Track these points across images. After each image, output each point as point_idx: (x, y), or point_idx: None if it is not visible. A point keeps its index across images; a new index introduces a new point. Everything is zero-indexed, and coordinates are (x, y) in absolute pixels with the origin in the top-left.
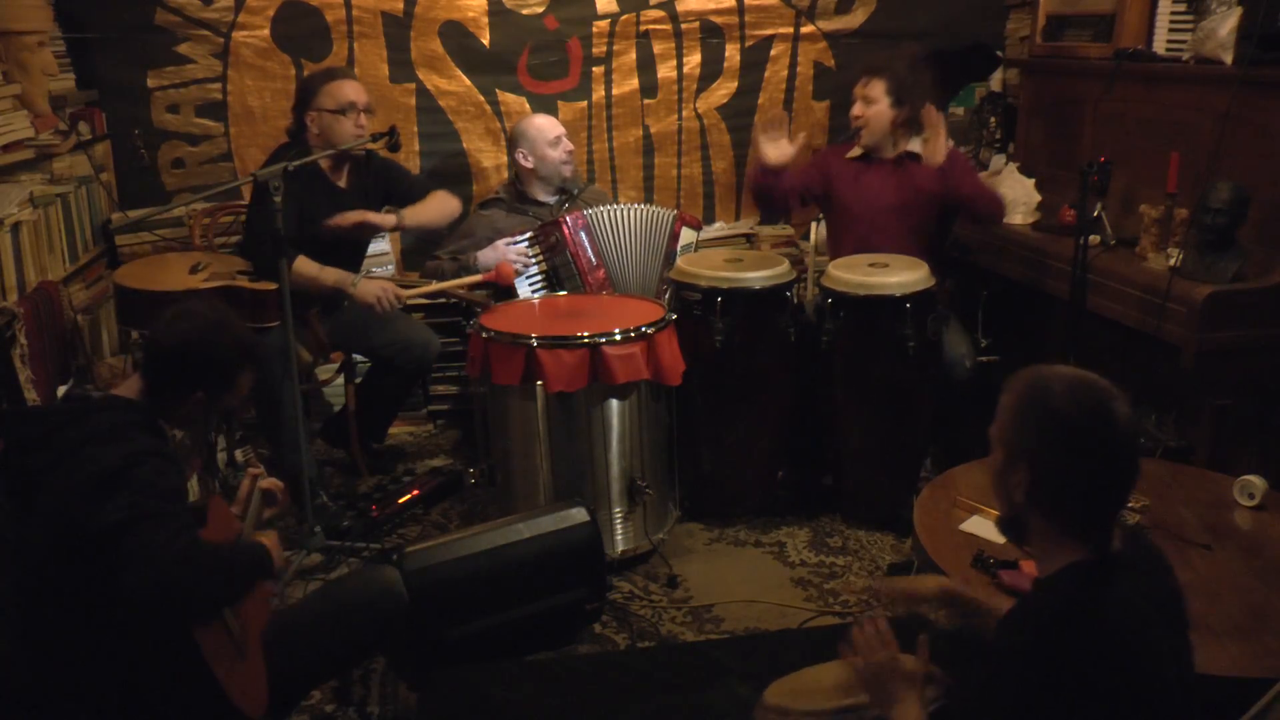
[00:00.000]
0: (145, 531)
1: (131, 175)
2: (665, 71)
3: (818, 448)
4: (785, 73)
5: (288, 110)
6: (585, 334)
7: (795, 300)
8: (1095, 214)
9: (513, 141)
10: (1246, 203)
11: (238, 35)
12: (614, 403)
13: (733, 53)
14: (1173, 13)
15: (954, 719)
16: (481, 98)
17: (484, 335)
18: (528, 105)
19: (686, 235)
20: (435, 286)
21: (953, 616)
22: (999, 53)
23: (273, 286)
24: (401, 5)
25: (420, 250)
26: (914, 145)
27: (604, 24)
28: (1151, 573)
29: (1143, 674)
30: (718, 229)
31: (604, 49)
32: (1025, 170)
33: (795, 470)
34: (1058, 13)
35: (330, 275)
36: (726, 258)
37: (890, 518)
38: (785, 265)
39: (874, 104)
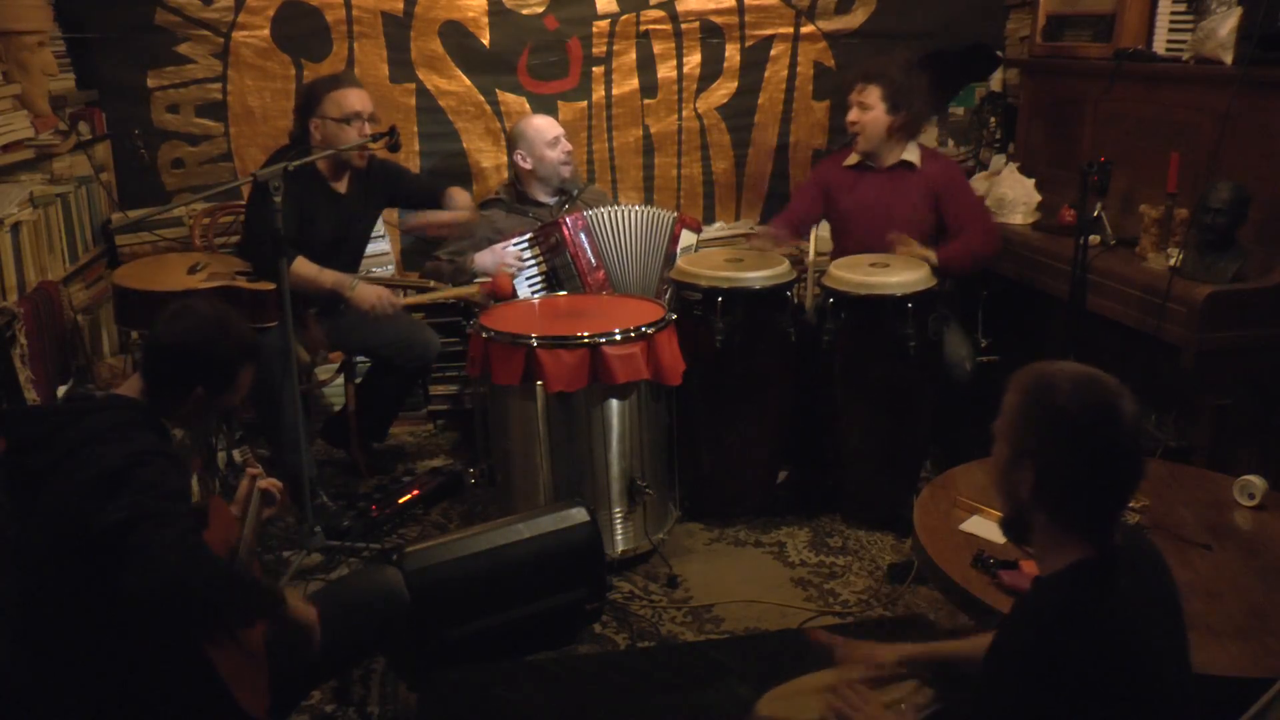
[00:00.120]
0: (147, 531)
1: (131, 175)
2: (665, 71)
3: (818, 448)
4: (785, 73)
5: (288, 110)
6: (585, 334)
7: (795, 300)
8: (1095, 214)
9: (511, 142)
10: (1246, 203)
11: (238, 35)
12: (614, 403)
13: (733, 53)
14: (1173, 13)
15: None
16: (481, 98)
17: (484, 335)
18: (528, 105)
19: (686, 238)
20: (430, 297)
21: (921, 690)
22: (999, 53)
23: (271, 287)
24: (401, 5)
25: (420, 250)
26: (909, 154)
27: (604, 24)
28: (1151, 572)
29: (1143, 674)
30: (718, 229)
31: (604, 49)
32: (1025, 170)
33: (795, 470)
34: (1058, 13)
35: (329, 277)
36: (727, 257)
37: (890, 518)
38: (785, 265)
39: (870, 110)
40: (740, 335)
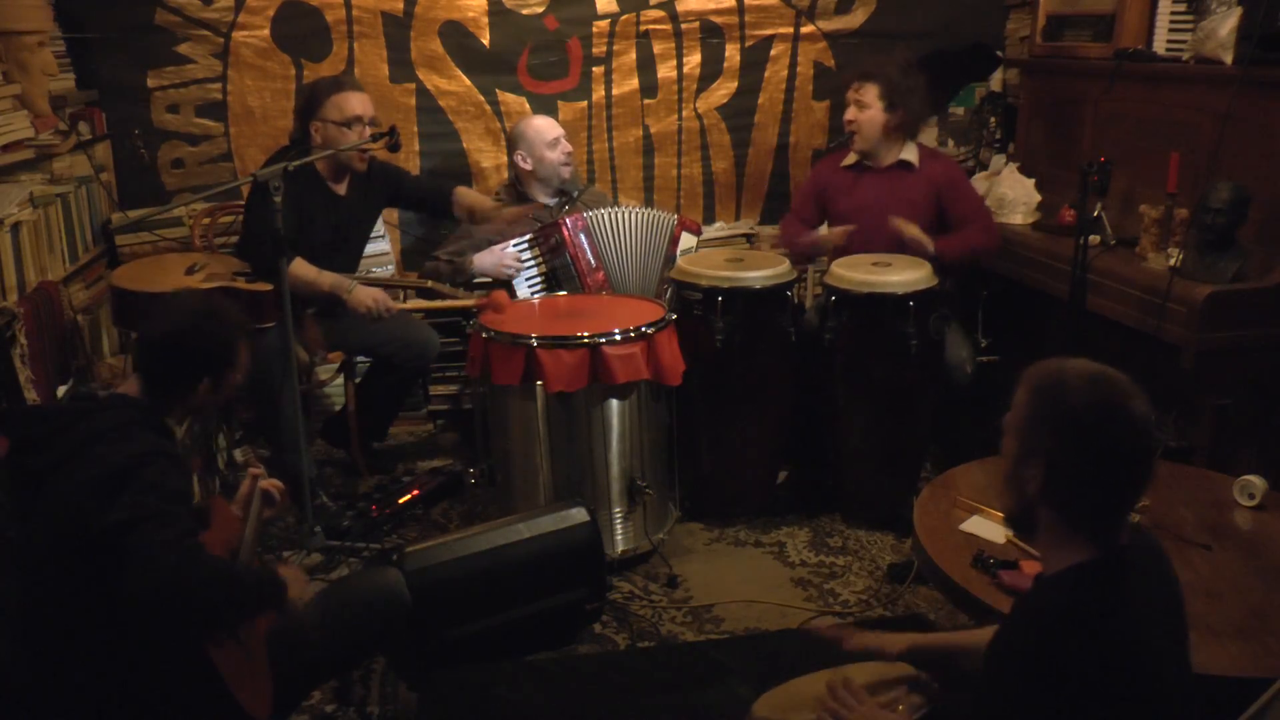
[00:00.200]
0: (146, 532)
1: (131, 175)
2: (665, 71)
3: (818, 448)
4: (785, 73)
5: (288, 110)
6: (585, 334)
7: (795, 300)
8: (1095, 214)
9: (511, 143)
10: (1246, 203)
11: (238, 35)
12: (614, 403)
13: (733, 53)
14: (1173, 13)
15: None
16: (481, 98)
17: (484, 335)
18: (528, 105)
19: (686, 240)
20: (427, 305)
21: (915, 694)
22: (999, 53)
23: (269, 287)
24: (401, 5)
25: (420, 250)
26: (908, 153)
27: (604, 24)
28: (1155, 573)
29: (1144, 676)
30: (718, 229)
31: (604, 49)
32: (1025, 170)
33: (795, 470)
34: (1058, 13)
35: (327, 279)
36: (727, 257)
37: (890, 518)
38: (785, 265)
39: (867, 109)
40: (740, 335)
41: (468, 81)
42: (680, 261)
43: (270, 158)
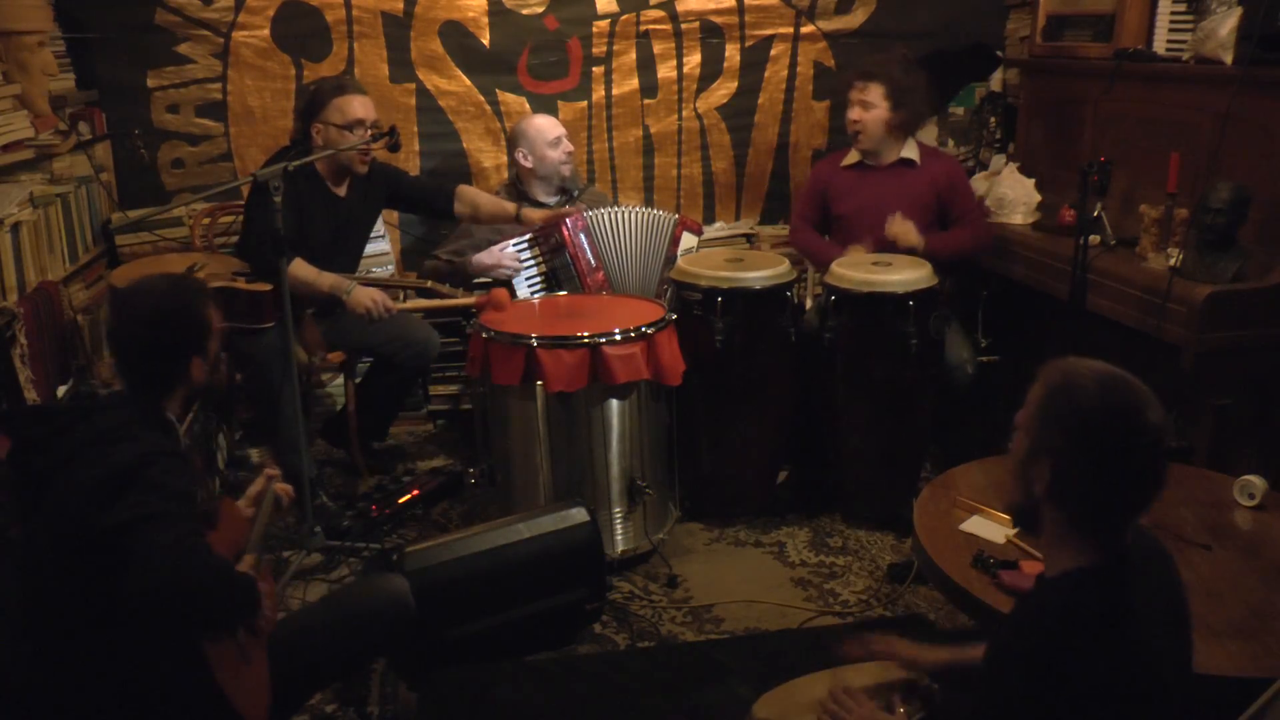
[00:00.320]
0: (152, 532)
1: (131, 175)
2: (665, 71)
3: (818, 448)
4: (785, 73)
5: (288, 110)
6: (585, 334)
7: (795, 300)
8: (1095, 214)
9: (512, 141)
10: (1246, 203)
11: (238, 35)
12: (614, 403)
13: (733, 53)
14: (1173, 13)
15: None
16: (481, 98)
17: (484, 335)
18: (528, 105)
19: (687, 240)
20: (427, 305)
21: (926, 689)
22: (999, 53)
23: (269, 287)
24: (401, 5)
25: (420, 250)
26: (909, 151)
27: (604, 24)
28: (1159, 576)
29: (1143, 682)
30: (718, 229)
31: (604, 49)
32: (1025, 170)
33: (795, 470)
34: (1058, 13)
35: (327, 280)
36: (727, 257)
37: (890, 518)
38: (785, 265)
39: (872, 108)
40: (740, 335)
41: (468, 81)
42: (680, 261)
43: (270, 158)
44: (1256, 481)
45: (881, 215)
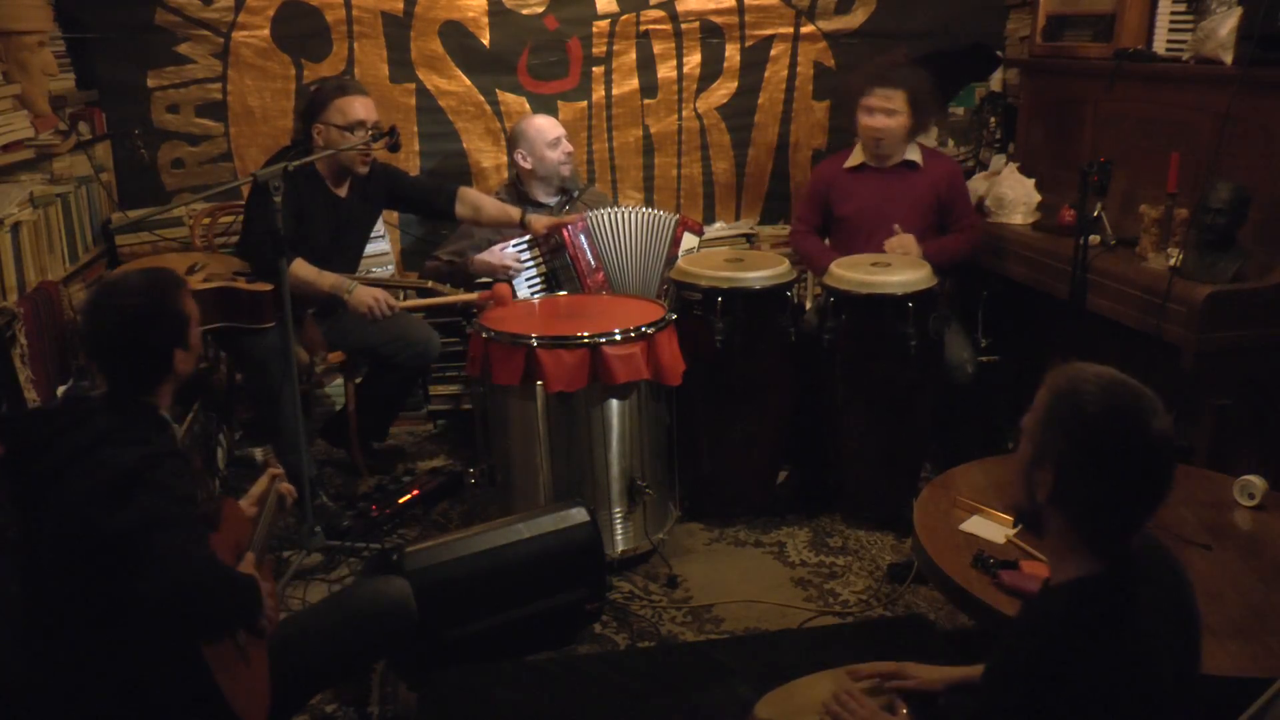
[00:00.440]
0: (161, 538)
1: (131, 175)
2: (665, 71)
3: (818, 448)
4: (785, 73)
5: (288, 110)
6: (585, 334)
7: (795, 300)
8: (1095, 214)
9: (512, 142)
10: (1246, 203)
11: (238, 35)
12: (614, 403)
13: (733, 53)
14: (1173, 13)
15: None
16: (481, 98)
17: (484, 335)
18: (528, 105)
19: (688, 240)
20: (430, 303)
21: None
22: (999, 53)
23: (269, 287)
24: (401, 5)
25: (420, 250)
26: (912, 153)
27: (604, 24)
28: (1166, 584)
29: (1147, 692)
30: (718, 229)
31: (604, 49)
32: (1025, 170)
33: (795, 470)
34: (1058, 13)
35: (328, 280)
36: (726, 257)
37: (890, 518)
38: (785, 265)
39: (896, 115)
40: (740, 335)
41: (468, 81)
42: (680, 261)
43: (271, 158)
44: (1256, 481)
45: (884, 217)
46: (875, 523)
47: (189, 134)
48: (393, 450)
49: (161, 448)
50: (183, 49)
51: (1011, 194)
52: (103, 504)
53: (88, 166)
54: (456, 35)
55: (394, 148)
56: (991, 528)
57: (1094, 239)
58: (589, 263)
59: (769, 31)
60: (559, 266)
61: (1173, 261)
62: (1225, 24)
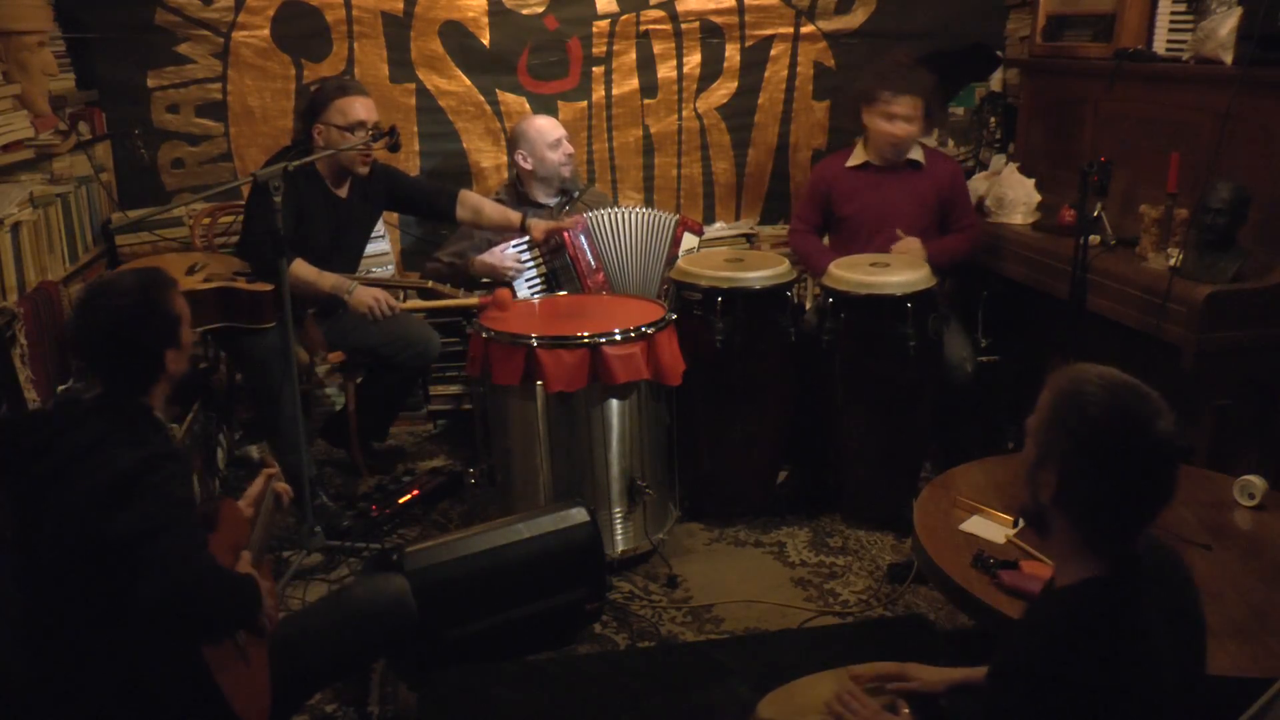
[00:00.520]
0: (163, 543)
1: (131, 175)
2: (665, 71)
3: (818, 448)
4: (785, 73)
5: (288, 110)
6: (585, 334)
7: (795, 300)
8: (1095, 214)
9: (513, 142)
10: (1246, 203)
11: (238, 35)
12: (614, 403)
13: (733, 53)
14: (1173, 13)
15: None
16: (481, 98)
17: (484, 335)
18: (528, 105)
19: (688, 240)
20: (431, 305)
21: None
22: (999, 53)
23: (270, 287)
24: (401, 5)
25: (420, 250)
26: (914, 153)
27: (604, 24)
28: (1171, 587)
29: (1150, 696)
30: (718, 229)
31: (604, 49)
32: (1025, 170)
33: (795, 470)
34: (1058, 13)
35: (328, 280)
36: (727, 257)
37: (890, 518)
38: (785, 265)
39: (914, 121)
40: (740, 335)
41: (468, 81)
42: (680, 261)
43: (271, 158)
44: (1256, 481)
45: (887, 217)
46: (875, 523)
47: (189, 134)
48: (393, 450)
49: (158, 449)
50: (183, 49)
51: (1011, 194)
52: (102, 508)
53: (88, 166)
54: (456, 35)
55: (394, 148)
56: (991, 528)
57: (1094, 239)
58: (589, 263)
59: (769, 31)
60: (559, 267)
61: (1173, 261)
62: (1225, 24)
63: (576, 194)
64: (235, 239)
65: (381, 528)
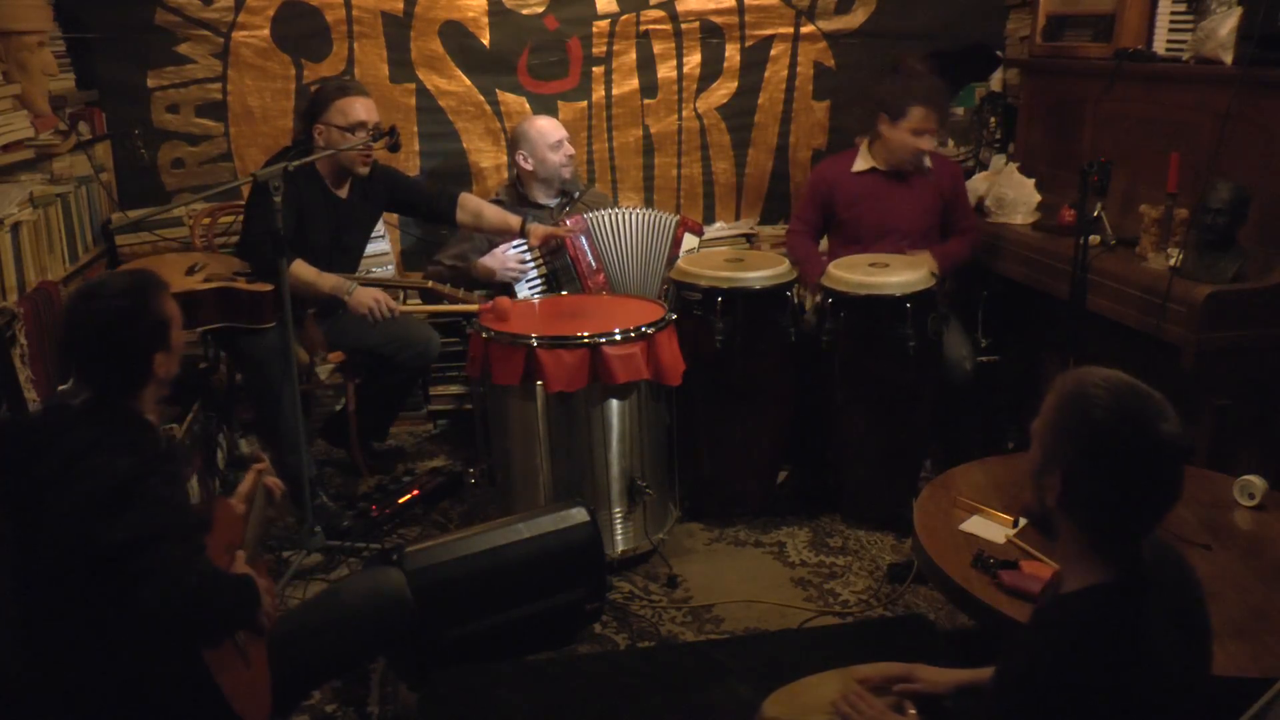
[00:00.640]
0: (162, 551)
1: (131, 175)
2: (665, 71)
3: (818, 448)
4: (785, 73)
5: (288, 110)
6: (585, 334)
7: (795, 300)
8: (1095, 214)
9: (513, 143)
10: (1246, 203)
11: (238, 35)
12: (614, 403)
13: (733, 53)
14: (1173, 13)
15: None
16: (481, 98)
17: (484, 335)
18: (528, 105)
19: (689, 241)
20: (429, 308)
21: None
22: (999, 53)
23: (270, 288)
24: (401, 5)
25: (420, 250)
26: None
27: (604, 24)
28: (1177, 590)
29: (1157, 702)
30: (718, 229)
31: (604, 49)
32: (1025, 170)
33: (795, 470)
34: (1058, 13)
35: (328, 281)
36: (727, 257)
37: (890, 518)
38: (785, 265)
39: (936, 134)
40: (740, 335)
41: (468, 81)
42: (680, 261)
43: (271, 158)
44: (1256, 481)
45: (890, 221)
46: (875, 523)
47: (189, 134)
48: (393, 450)
49: (149, 454)
50: (183, 49)
51: (1011, 194)
52: (96, 517)
53: (88, 166)
54: (456, 35)
55: (394, 148)
56: (991, 528)
57: (1094, 239)
58: (590, 264)
59: (769, 31)
60: (560, 267)
61: (1173, 261)
62: (1225, 24)
63: (577, 195)
64: (235, 239)
65: (381, 528)
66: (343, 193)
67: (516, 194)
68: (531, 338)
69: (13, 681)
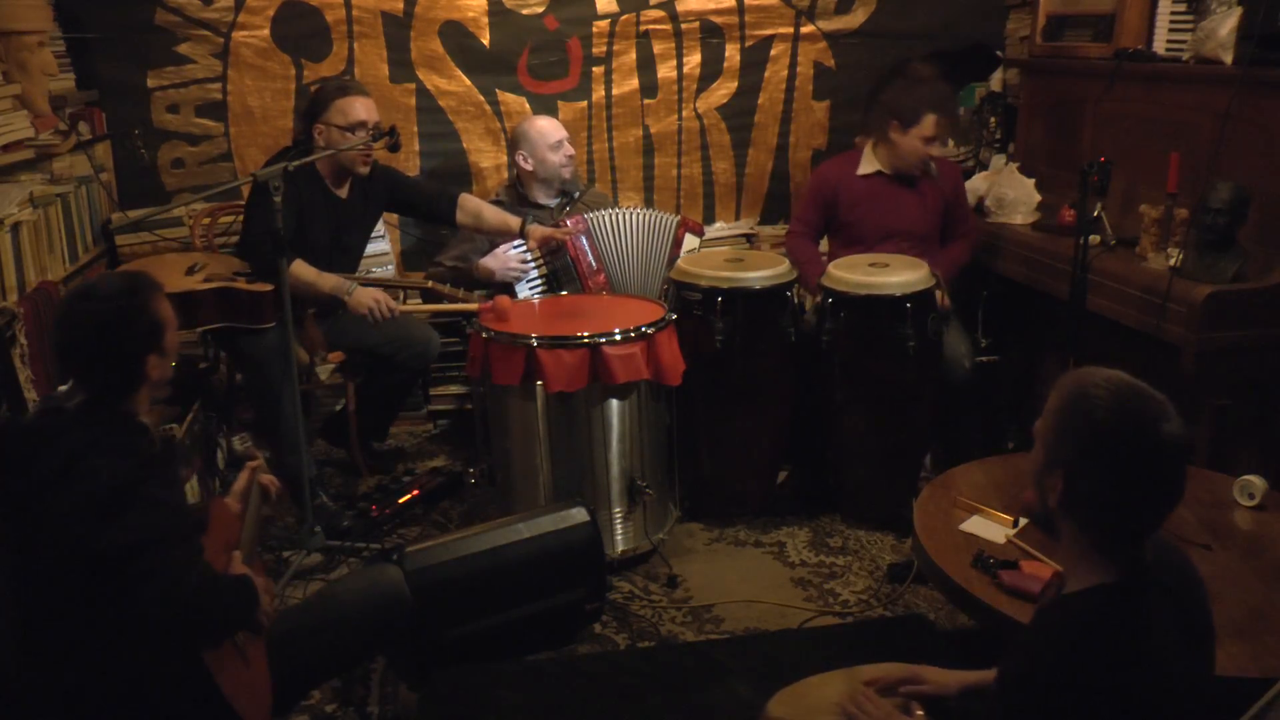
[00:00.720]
0: (160, 556)
1: (131, 175)
2: (665, 71)
3: (818, 448)
4: (785, 73)
5: (288, 110)
6: (585, 334)
7: (795, 300)
8: (1095, 214)
9: (514, 143)
10: (1246, 203)
11: (238, 35)
12: (614, 403)
13: (733, 53)
14: (1173, 13)
15: None
16: (481, 98)
17: (484, 335)
18: (528, 105)
19: (690, 241)
20: (431, 308)
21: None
22: (999, 53)
23: (270, 288)
24: (401, 5)
25: (420, 250)
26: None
27: (604, 24)
28: (1180, 590)
29: (1161, 703)
30: (718, 229)
31: (604, 49)
32: (1025, 170)
33: (795, 470)
34: (1058, 13)
35: (328, 281)
36: (727, 257)
37: (890, 518)
38: (785, 265)
39: (944, 139)
40: (740, 335)
41: (468, 81)
42: (680, 261)
43: (271, 158)
44: (1256, 481)
45: (893, 224)
46: (875, 523)
47: (189, 134)
48: (393, 450)
49: (145, 456)
50: (183, 49)
51: (1011, 194)
52: (91, 522)
53: (88, 166)
54: (456, 35)
55: (394, 148)
56: (991, 528)
57: (1094, 239)
58: (590, 264)
59: (769, 31)
60: (560, 267)
61: (1173, 261)
62: (1225, 24)
63: (577, 195)
64: (235, 239)
65: (381, 528)
66: (343, 193)
67: (516, 194)
68: (531, 338)
69: (13, 682)
